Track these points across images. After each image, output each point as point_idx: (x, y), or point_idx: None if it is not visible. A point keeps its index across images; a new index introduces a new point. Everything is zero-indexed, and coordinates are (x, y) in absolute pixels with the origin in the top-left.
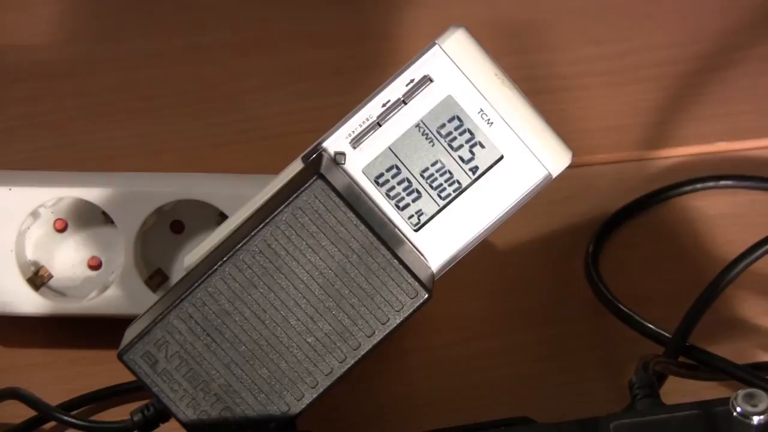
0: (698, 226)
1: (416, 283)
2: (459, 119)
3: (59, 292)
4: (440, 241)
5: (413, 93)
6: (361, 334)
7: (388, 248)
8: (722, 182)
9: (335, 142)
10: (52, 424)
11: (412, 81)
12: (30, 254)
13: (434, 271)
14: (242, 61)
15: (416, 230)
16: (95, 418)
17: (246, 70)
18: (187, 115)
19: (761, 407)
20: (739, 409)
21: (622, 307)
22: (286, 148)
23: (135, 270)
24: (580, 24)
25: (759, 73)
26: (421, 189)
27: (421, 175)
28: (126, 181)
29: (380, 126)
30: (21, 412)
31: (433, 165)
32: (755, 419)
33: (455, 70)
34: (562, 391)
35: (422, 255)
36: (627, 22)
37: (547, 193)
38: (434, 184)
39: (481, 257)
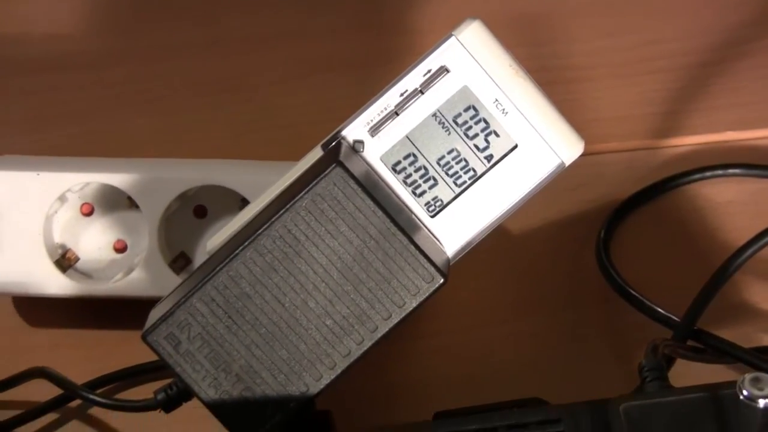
0: (706, 213)
1: (432, 268)
2: (474, 109)
3: (86, 274)
4: (455, 227)
5: (430, 83)
6: (378, 317)
7: (405, 234)
8: (730, 171)
9: (354, 131)
10: (77, 402)
11: (429, 71)
12: (57, 237)
13: (449, 257)
14: (262, 53)
15: (432, 216)
16: (119, 396)
17: (265, 61)
18: (208, 104)
19: (767, 391)
20: (745, 393)
21: (632, 291)
22: (305, 136)
23: (159, 253)
24: (592, 17)
25: (766, 65)
26: (437, 176)
27: (438, 163)
28: (150, 167)
29: (398, 115)
30: (48, 391)
31: (449, 153)
32: (761, 402)
33: (471, 61)
34: (574, 374)
35: (438, 240)
36: (638, 15)
37: (560, 180)
38: (450, 172)
39: (494, 243)
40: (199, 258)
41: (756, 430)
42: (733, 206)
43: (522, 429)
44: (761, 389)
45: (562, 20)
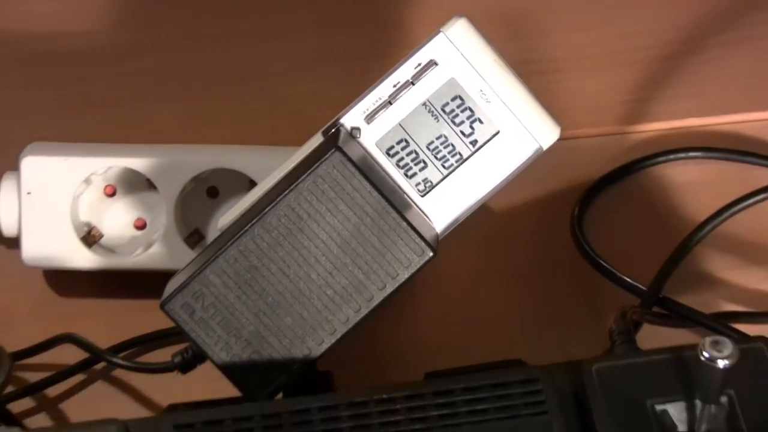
0: (670, 192)
1: (422, 243)
2: (461, 98)
3: (109, 249)
4: (444, 205)
5: (420, 75)
6: (373, 287)
7: (398, 212)
8: (692, 153)
9: (351, 119)
10: (102, 365)
11: (419, 65)
12: (83, 216)
13: (438, 232)
14: (270, 46)
15: (422, 196)
16: (140, 359)
17: (273, 54)
18: (220, 93)
19: (725, 353)
20: (706, 354)
21: (603, 263)
22: (307, 123)
23: (175, 230)
24: (569, 13)
25: (725, 57)
26: (427, 160)
27: (427, 148)
28: (168, 152)
29: (391, 104)
30: (75, 355)
31: (437, 138)
32: (720, 363)
33: (458, 55)
34: (551, 338)
35: (428, 218)
36: (611, 11)
37: (538, 163)
38: (438, 156)
39: (479, 220)
40: (212, 234)
41: (716, 389)
42: (694, 186)
43: (504, 387)
44: (720, 351)
45: (540, 17)
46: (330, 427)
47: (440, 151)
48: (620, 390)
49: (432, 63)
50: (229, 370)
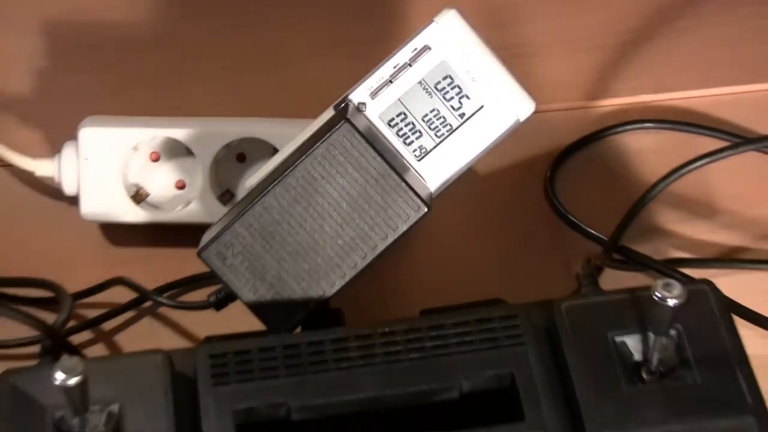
0: (628, 157)
1: (418, 200)
2: (450, 78)
3: (154, 206)
4: (437, 168)
5: (416, 58)
6: (377, 238)
7: (398, 174)
8: (646, 124)
9: (358, 95)
10: (148, 303)
11: (415, 49)
12: (132, 178)
13: (432, 192)
14: (290, 34)
15: (419, 160)
16: (181, 299)
17: (293, 41)
18: (248, 74)
19: (675, 293)
20: (658, 295)
21: (571, 217)
22: (321, 99)
23: (210, 190)
24: (542, 5)
25: (676, 42)
26: (422, 130)
27: (422, 119)
28: (203, 124)
29: (392, 83)
30: (126, 295)
31: (431, 112)
32: (670, 302)
33: (448, 41)
34: (527, 281)
35: (423, 179)
36: (578, 3)
37: (516, 133)
38: (432, 126)
39: (466, 181)
40: (241, 193)
41: (666, 324)
42: (648, 151)
43: (487, 322)
44: (670, 292)
45: (518, 8)
46: (341, 356)
47: (433, 122)
48: (585, 324)
49: (426, 48)
50: (255, 308)
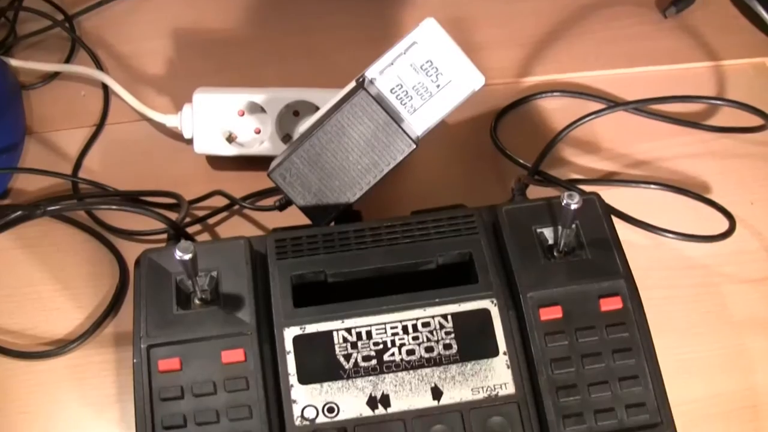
0: (544, 114)
1: (410, 140)
2: (430, 62)
3: (240, 145)
4: (422, 120)
5: (408, 49)
6: (383, 163)
7: (397, 124)
8: (555, 93)
9: (371, 72)
10: (236, 207)
11: (408, 43)
12: (226, 127)
13: (419, 135)
14: (325, 36)
15: (411, 114)
16: (258, 204)
17: (327, 40)
18: (301, 61)
19: (575, 200)
20: (564, 202)
21: (507, 152)
22: (346, 76)
23: (276, 134)
24: (490, 18)
25: (576, 41)
26: (413, 95)
27: (413, 88)
28: (272, 92)
29: (393, 65)
30: (222, 202)
31: (418, 83)
32: (572, 206)
33: (428, 38)
34: (478, 192)
35: (413, 126)
36: (515, 13)
37: (472, 98)
38: (419, 92)
39: (440, 129)
40: (295, 136)
41: (570, 220)
42: (556, 110)
43: (454, 219)
44: (572, 199)
45: (475, 19)
46: (359, 241)
47: (419, 90)
48: (517, 221)
49: (414, 43)
50: (305, 209)
